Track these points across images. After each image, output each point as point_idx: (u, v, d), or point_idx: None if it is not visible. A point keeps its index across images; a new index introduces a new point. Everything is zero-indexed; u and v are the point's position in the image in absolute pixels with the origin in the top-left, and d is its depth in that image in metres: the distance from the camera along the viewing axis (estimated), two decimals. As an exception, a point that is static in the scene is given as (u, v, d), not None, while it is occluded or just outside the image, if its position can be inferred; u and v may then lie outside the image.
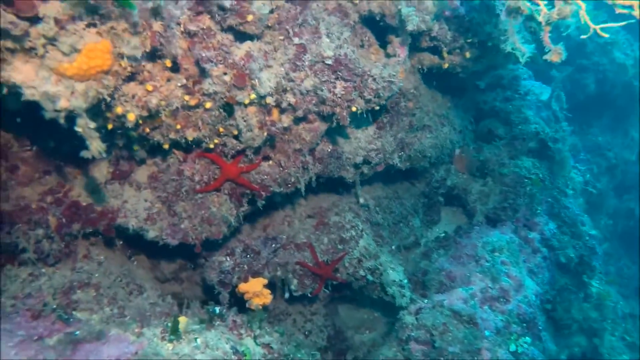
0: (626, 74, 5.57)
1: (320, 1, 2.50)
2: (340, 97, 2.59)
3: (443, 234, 4.85)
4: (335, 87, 2.57)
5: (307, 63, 2.43)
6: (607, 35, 2.02)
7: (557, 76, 5.05)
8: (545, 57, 2.20)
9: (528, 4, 2.15)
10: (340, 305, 4.53)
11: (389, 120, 3.51)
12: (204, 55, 2.01)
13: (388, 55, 2.85)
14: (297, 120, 2.63)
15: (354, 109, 2.69)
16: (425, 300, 3.81)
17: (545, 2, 2.11)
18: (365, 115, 2.85)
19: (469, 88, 4.31)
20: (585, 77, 5.50)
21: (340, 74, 2.55)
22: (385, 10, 2.59)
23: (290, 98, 2.43)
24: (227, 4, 1.98)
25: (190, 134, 2.33)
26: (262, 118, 2.43)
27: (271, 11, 2.27)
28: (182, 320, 2.44)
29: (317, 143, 2.94)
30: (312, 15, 2.43)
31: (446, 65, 3.32)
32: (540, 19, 2.14)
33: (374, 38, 2.87)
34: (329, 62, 2.48)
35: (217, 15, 2.02)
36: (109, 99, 1.81)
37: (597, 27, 2.02)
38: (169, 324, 2.33)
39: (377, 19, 2.66)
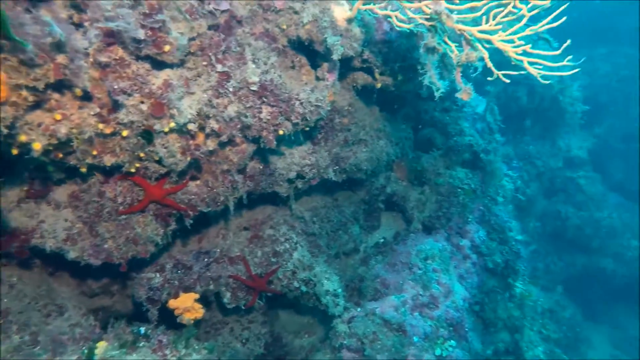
0: (552, 89, 5.96)
1: (247, 27, 2.50)
2: (266, 122, 2.61)
3: (382, 240, 5.03)
4: (260, 112, 2.59)
5: (231, 89, 2.42)
6: (508, 81, 2.15)
7: (491, 91, 5.31)
8: (457, 95, 2.32)
9: (443, 44, 2.25)
10: (281, 310, 4.61)
11: (324, 136, 3.57)
12: (116, 87, 1.96)
13: (318, 78, 2.89)
14: (223, 144, 2.63)
15: (281, 132, 2.72)
16: (359, 309, 3.96)
17: (457, 45, 2.22)
18: (294, 137, 2.89)
19: (409, 97, 4.44)
20: (518, 90, 5.84)
21: (266, 99, 2.56)
22: (313, 37, 2.62)
23: (213, 124, 2.42)
24: (141, 36, 1.94)
25: (108, 160, 2.28)
26: (185, 143, 2.42)
27: (192, 39, 2.24)
28: (101, 345, 2.42)
29: (246, 163, 2.95)
30: (237, 41, 2.43)
31: (379, 85, 3.41)
32: (452, 59, 2.25)
33: (305, 59, 2.90)
34: (254, 88, 2.49)
35: (130, 46, 1.98)
36: (6, 131, 1.75)
37: (500, 73, 2.15)
38: (86, 351, 2.30)
39: (306, 44, 2.68)
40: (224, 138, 2.52)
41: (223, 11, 2.31)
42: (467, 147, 4.83)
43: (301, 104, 2.70)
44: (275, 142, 2.71)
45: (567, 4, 1.80)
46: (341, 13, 2.57)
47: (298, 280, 3.70)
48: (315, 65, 2.91)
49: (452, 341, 4.05)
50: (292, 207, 3.87)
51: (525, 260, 5.18)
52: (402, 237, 4.94)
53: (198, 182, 2.84)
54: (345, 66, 3.22)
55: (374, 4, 2.34)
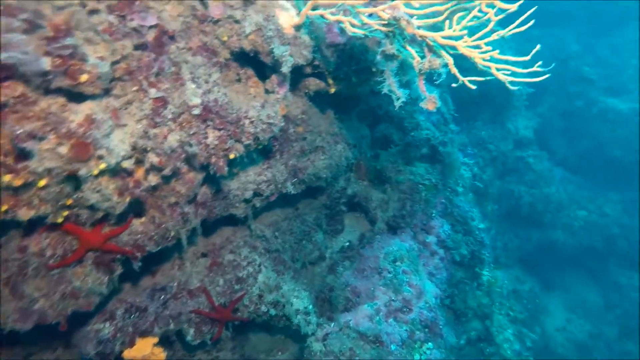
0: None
1: (181, 41, 2.17)
2: (214, 148, 2.32)
3: (347, 243, 4.87)
4: (207, 138, 2.29)
5: (169, 116, 2.11)
6: (474, 87, 2.00)
7: (443, 81, 5.25)
8: (421, 104, 2.15)
9: (403, 51, 2.06)
10: (251, 333, 4.35)
11: (279, 149, 3.31)
12: (21, 131, 1.60)
13: (268, 91, 2.62)
14: (168, 177, 2.30)
15: (232, 156, 2.44)
16: (332, 324, 3.78)
17: (418, 50, 2.03)
18: (246, 159, 2.62)
19: (363, 94, 4.26)
20: (468, 77, 5.85)
21: (211, 122, 2.27)
22: (259, 47, 2.34)
23: (153, 158, 2.10)
24: (45, 66, 1.58)
25: (25, 214, 1.90)
26: (122, 183, 2.08)
27: (117, 62, 1.90)
28: None
29: (196, 192, 2.64)
30: (171, 60, 2.10)
31: (332, 90, 3.19)
32: (414, 66, 2.06)
33: (252, 71, 2.61)
34: (197, 111, 2.18)
35: (34, 80, 1.61)
36: None
37: (466, 79, 1.99)
38: None
39: (251, 55, 2.40)
40: (167, 172, 2.20)
41: (151, 27, 1.98)
42: (424, 142, 4.75)
43: (252, 122, 2.42)
44: (226, 168, 2.43)
45: (535, 7, 1.65)
46: (288, 20, 2.31)
47: (266, 304, 3.45)
48: (263, 76, 2.63)
49: (429, 343, 3.98)
50: (251, 227, 3.59)
51: (489, 247, 5.22)
52: (367, 239, 4.80)
53: (143, 219, 2.50)
54: (296, 73, 2.96)
55: (324, 9, 2.09)
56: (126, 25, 1.87)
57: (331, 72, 2.96)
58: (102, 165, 1.88)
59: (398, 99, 2.23)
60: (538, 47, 1.68)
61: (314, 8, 2.12)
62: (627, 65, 9.55)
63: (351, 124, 4.39)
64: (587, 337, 8.22)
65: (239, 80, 2.64)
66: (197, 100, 2.17)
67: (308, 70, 2.96)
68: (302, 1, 2.22)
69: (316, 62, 2.85)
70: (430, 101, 2.09)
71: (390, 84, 2.22)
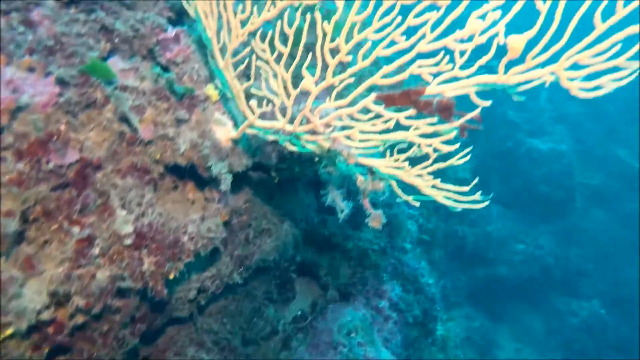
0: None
1: (109, 166, 2.00)
2: (151, 274, 2.13)
3: (300, 312, 4.72)
4: (142, 265, 2.10)
5: (97, 252, 1.91)
6: (417, 204, 2.01)
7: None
8: (367, 221, 2.12)
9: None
10: None
11: (222, 241, 3.15)
12: None
13: (207, 199, 2.49)
14: (97, 315, 2.07)
15: (171, 276, 2.26)
16: (288, 415, 3.58)
17: (361, 170, 2.01)
18: (187, 273, 2.44)
19: (309, 173, 4.22)
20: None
21: (146, 249, 2.09)
22: (195, 161, 2.22)
23: (79, 301, 1.87)
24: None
25: None
26: (39, 337, 1.83)
27: (29, 207, 1.69)
28: None
29: (133, 314, 2.41)
30: (97, 191, 1.92)
31: (276, 180, 3.12)
32: (358, 184, 2.04)
33: (189, 179, 2.47)
34: (129, 241, 2.00)
35: None
36: None
37: (410, 197, 1.99)
38: None
39: (188, 168, 2.27)
40: (96, 310, 1.98)
41: (72, 164, 1.80)
42: (371, 204, 4.77)
43: (191, 239, 2.27)
44: (166, 290, 2.24)
45: (467, 157, 1.69)
46: (225, 133, 2.21)
47: (217, 406, 3.20)
48: (202, 183, 2.49)
49: (388, 419, 3.89)
50: (197, 323, 3.35)
51: (440, 301, 5.29)
52: (320, 307, 4.69)
53: (69, 355, 2.22)
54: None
55: (261, 130, 2.03)
56: (41, 170, 1.68)
57: (274, 166, 2.89)
58: (9, 332, 1.64)
59: (342, 210, 2.19)
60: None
61: (251, 127, 2.05)
62: (544, 109, 10.47)
63: (296, 196, 4.33)
64: (535, 364, 8.55)
65: (175, 188, 2.49)
66: (128, 229, 1.99)
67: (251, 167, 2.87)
68: (240, 115, 2.15)
69: (258, 160, 2.76)
70: (376, 219, 2.07)
71: (334, 197, 2.18)
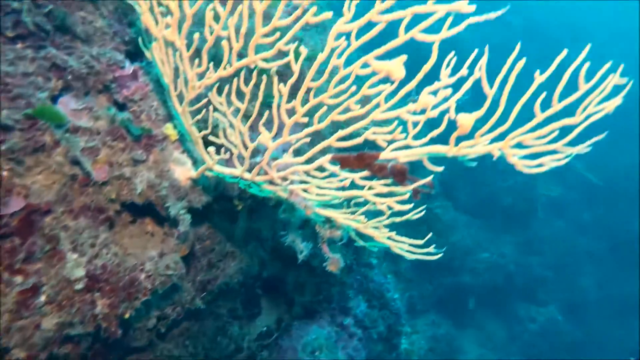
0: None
1: (59, 208, 1.93)
2: (104, 316, 2.07)
3: (265, 329, 4.71)
4: (94, 308, 2.04)
5: (44, 299, 1.84)
6: (376, 249, 2.03)
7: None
8: (325, 265, 2.13)
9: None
10: None
11: (181, 276, 3.10)
12: None
13: (166, 234, 2.44)
14: (44, 361, 2.00)
15: (127, 316, 2.21)
16: None
17: (319, 217, 2.02)
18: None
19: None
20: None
21: (99, 292, 2.03)
22: (153, 200, 2.17)
23: (19, 354, 1.80)
24: None
25: None
26: (-19, 390, 1.75)
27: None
28: None
29: (85, 354, 2.34)
30: (45, 237, 1.85)
31: (239, 207, 3.09)
32: (317, 230, 2.05)
33: (147, 216, 2.42)
34: (80, 286, 1.94)
35: None
36: None
37: (366, 244, 2.01)
38: None
39: (146, 205, 2.22)
40: (42, 357, 1.91)
41: (15, 212, 1.73)
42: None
43: (149, 277, 2.23)
44: (120, 330, 2.19)
45: (422, 212, 1.72)
46: (184, 173, 2.18)
47: None
48: (161, 219, 2.45)
49: None
50: (156, 351, 3.29)
51: (405, 315, 5.39)
52: (285, 323, 4.69)
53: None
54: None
55: (221, 175, 2.00)
56: (-18, 223, 1.61)
57: (236, 196, 2.87)
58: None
59: (301, 252, 2.20)
60: (430, 234, 1.74)
61: (210, 170, 2.02)
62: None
63: (265, 213, 4.30)
64: (497, 369, 8.85)
65: (133, 222, 2.43)
66: (80, 273, 1.93)
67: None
68: (199, 155, 2.11)
69: (220, 191, 2.73)
70: (334, 263, 2.08)
71: (294, 239, 2.19)
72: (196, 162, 2.22)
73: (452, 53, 1.29)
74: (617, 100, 1.17)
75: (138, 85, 2.10)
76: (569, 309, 9.96)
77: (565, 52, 1.17)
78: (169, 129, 2.12)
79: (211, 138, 1.89)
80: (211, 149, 1.87)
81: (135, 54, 2.24)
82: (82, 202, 2.04)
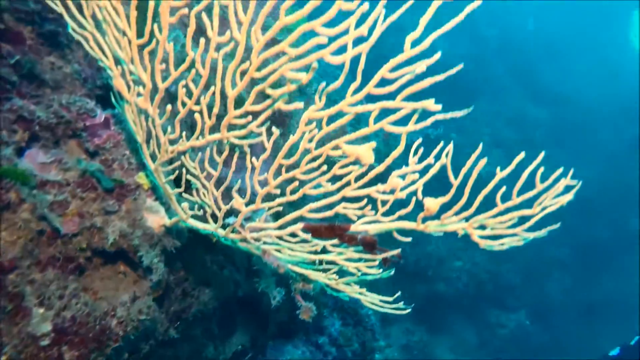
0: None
1: (24, 263, 1.89)
2: (72, 367, 2.05)
3: (240, 347, 4.73)
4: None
5: None
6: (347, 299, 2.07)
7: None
8: (298, 313, 2.17)
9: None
10: None
11: (157, 299, 3.08)
12: None
13: (140, 276, 2.42)
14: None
15: (97, 362, 2.18)
16: None
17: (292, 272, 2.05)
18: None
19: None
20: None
21: (67, 345, 2.00)
22: (124, 247, 2.15)
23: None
24: None
25: None
26: None
27: None
28: None
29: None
30: (8, 294, 1.81)
31: (214, 240, 3.08)
32: (290, 282, 2.08)
33: (120, 260, 2.39)
34: (46, 341, 1.91)
35: None
36: None
37: (339, 295, 2.05)
38: None
39: (117, 253, 2.19)
40: (9, 415, 1.88)
41: (-20, 275, 1.69)
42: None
43: (120, 323, 2.21)
44: (89, 378, 2.17)
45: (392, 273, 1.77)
46: (158, 221, 2.16)
47: None
48: (134, 264, 2.42)
49: None
50: (128, 382, 3.26)
51: (379, 328, 5.49)
52: (260, 343, 4.72)
53: None
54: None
55: (195, 227, 2.01)
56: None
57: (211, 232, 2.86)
58: None
59: (274, 298, 2.23)
60: (394, 299, 1.78)
61: (183, 222, 2.02)
62: (482, 133, 11.11)
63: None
64: (468, 374, 9.11)
65: (105, 264, 2.40)
66: (46, 328, 1.90)
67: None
68: (171, 202, 2.10)
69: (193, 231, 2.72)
70: (306, 312, 2.12)
71: (267, 285, 2.21)
72: (169, 209, 2.21)
73: (419, 140, 1.34)
74: (569, 197, 1.26)
75: (110, 134, 2.08)
76: (536, 314, 10.32)
77: (522, 155, 1.24)
78: (141, 178, 2.10)
79: (185, 195, 1.89)
80: (185, 205, 1.87)
81: (107, 98, 2.20)
82: (50, 253, 2.00)
